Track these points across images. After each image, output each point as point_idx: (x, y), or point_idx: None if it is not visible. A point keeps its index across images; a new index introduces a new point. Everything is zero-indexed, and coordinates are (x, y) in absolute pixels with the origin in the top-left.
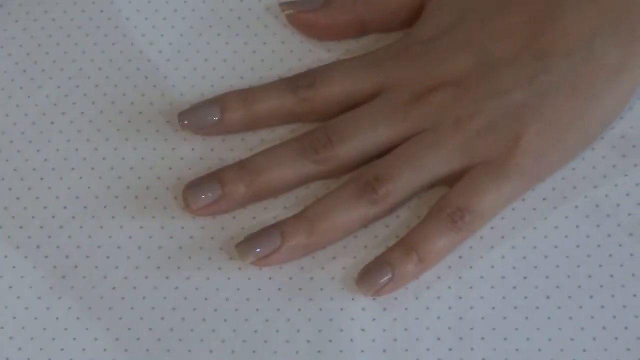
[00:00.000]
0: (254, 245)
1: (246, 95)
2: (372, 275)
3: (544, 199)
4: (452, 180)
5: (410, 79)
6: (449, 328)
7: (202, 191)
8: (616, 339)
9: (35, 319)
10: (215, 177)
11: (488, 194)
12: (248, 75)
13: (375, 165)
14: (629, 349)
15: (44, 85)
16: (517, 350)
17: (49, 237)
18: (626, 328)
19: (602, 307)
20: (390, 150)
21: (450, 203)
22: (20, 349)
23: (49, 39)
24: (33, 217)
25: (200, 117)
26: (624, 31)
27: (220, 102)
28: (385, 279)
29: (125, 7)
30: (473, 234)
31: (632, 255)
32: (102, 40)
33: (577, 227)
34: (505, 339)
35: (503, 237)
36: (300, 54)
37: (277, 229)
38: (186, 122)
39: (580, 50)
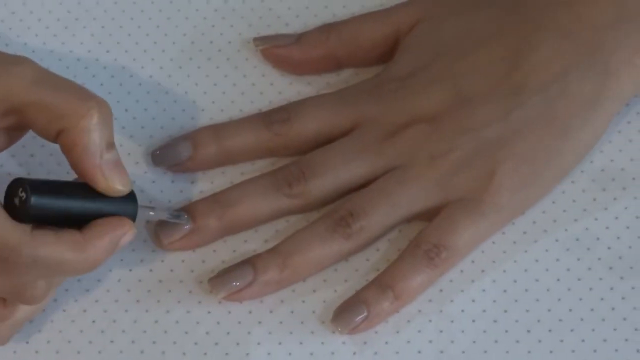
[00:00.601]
0: (226, 280)
1: (218, 130)
2: (347, 314)
3: (524, 232)
4: (429, 215)
5: (385, 114)
6: None
7: (173, 224)
8: None
9: (14, 352)
10: (186, 211)
11: (464, 230)
12: (228, 108)
13: (349, 200)
14: None
15: None
16: None
17: None
18: None
19: (583, 340)
20: (365, 185)
21: (426, 239)
22: None
23: None
24: None
25: (172, 153)
26: (598, 65)
27: (192, 138)
28: (360, 317)
29: (94, 48)
30: (449, 270)
31: (611, 288)
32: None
33: (557, 260)
34: None
35: (483, 271)
36: (280, 87)
37: (250, 263)
38: (159, 159)
39: (555, 84)
